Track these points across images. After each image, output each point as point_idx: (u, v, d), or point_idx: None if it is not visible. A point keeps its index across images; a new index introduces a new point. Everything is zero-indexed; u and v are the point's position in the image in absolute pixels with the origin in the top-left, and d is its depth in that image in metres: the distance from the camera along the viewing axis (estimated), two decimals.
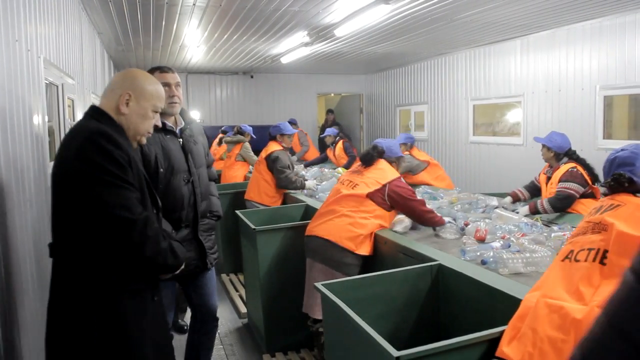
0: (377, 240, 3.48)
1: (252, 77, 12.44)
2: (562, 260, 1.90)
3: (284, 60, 9.66)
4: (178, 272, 2.19)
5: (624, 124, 6.86)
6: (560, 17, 6.51)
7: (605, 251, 1.74)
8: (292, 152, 7.14)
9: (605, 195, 2.06)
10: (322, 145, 11.45)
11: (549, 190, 4.34)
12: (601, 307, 1.59)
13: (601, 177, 2.62)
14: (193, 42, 7.97)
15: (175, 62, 10.04)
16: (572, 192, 4.13)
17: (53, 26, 3.70)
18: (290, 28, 7.02)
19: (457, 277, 2.59)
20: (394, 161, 3.85)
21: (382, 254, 3.42)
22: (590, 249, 1.80)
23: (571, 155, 4.35)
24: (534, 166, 5.40)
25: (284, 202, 5.54)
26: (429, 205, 3.82)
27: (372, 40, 8.04)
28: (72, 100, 4.34)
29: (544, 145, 4.48)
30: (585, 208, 4.11)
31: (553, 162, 4.42)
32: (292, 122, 10.66)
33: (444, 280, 2.69)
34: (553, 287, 1.84)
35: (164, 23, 6.50)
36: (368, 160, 3.74)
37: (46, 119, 3.26)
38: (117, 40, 7.66)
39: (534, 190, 4.64)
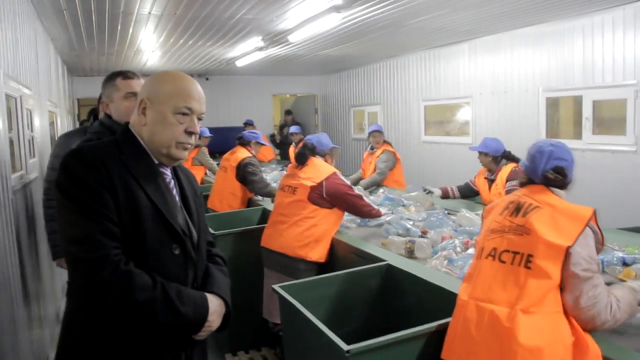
0: (332, 244, 3.65)
1: (207, 79, 12.49)
2: (487, 258, 2.10)
3: (239, 63, 9.78)
4: (203, 333, 1.75)
5: (570, 124, 7.22)
6: (503, 23, 6.84)
7: (530, 255, 1.95)
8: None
9: (522, 185, 2.26)
10: (276, 145, 11.61)
11: (494, 192, 4.60)
12: (525, 312, 1.82)
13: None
14: (148, 47, 8.02)
15: (130, 65, 10.03)
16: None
17: (10, 39, 3.77)
18: (244, 34, 7.16)
19: (404, 275, 2.78)
20: (328, 153, 3.96)
21: (337, 256, 3.60)
22: (515, 252, 2.00)
23: (508, 156, 4.63)
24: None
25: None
26: (387, 216, 4.06)
27: (325, 44, 8.24)
28: (30, 111, 4.39)
29: (480, 153, 4.73)
30: None
31: (493, 166, 4.68)
32: (249, 123, 10.79)
33: (392, 279, 2.88)
34: (482, 287, 2.05)
35: (119, 30, 6.55)
36: (301, 159, 3.83)
37: (7, 131, 3.34)
38: (71, 45, 7.65)
39: (467, 192, 4.92)
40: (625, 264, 2.89)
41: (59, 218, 1.66)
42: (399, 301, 2.83)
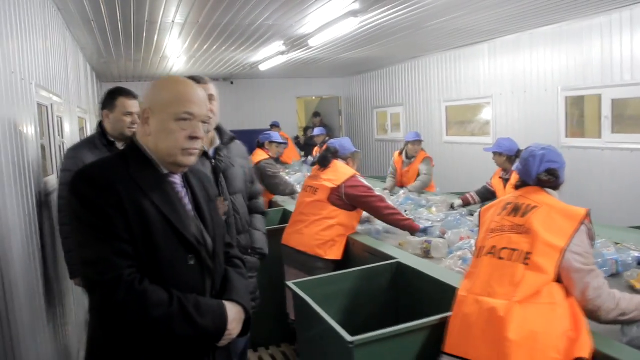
0: (348, 243, 3.78)
1: (232, 83, 12.71)
2: (486, 255, 2.22)
3: (262, 67, 9.97)
4: (224, 341, 1.78)
5: (593, 123, 7.23)
6: (523, 22, 6.87)
7: (529, 253, 2.07)
8: (278, 162, 6.93)
9: (516, 188, 2.38)
10: (300, 147, 11.80)
11: (509, 191, 4.68)
12: (521, 303, 1.93)
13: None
14: (174, 53, 8.25)
15: (157, 71, 10.30)
16: None
17: (41, 50, 3.98)
18: (266, 39, 7.32)
19: (414, 273, 2.90)
20: (349, 157, 4.07)
21: (353, 255, 3.73)
22: (513, 249, 2.12)
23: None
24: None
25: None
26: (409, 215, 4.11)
27: (345, 47, 8.37)
28: (60, 118, 4.61)
29: (495, 153, 4.82)
30: None
31: (507, 166, 4.78)
32: (275, 125, 10.98)
33: (402, 276, 3.00)
34: (481, 283, 2.17)
35: (144, 37, 6.78)
36: (323, 162, 3.98)
37: (39, 137, 3.55)
38: (99, 53, 7.92)
39: (487, 194, 5.00)
40: None
41: (73, 239, 1.72)
42: (408, 298, 2.95)
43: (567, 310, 1.99)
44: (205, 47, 7.75)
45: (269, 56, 8.85)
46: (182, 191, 1.82)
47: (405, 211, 4.44)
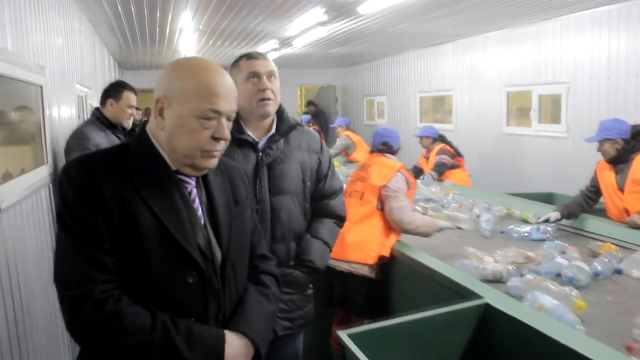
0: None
1: None
2: (347, 196, 3.60)
3: None
4: None
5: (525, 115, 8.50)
6: (478, 27, 8.18)
7: (363, 193, 3.46)
8: None
9: (370, 153, 3.71)
10: None
11: (430, 166, 6.11)
12: (356, 223, 3.36)
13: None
14: (184, 48, 9.74)
15: (172, 60, 11.76)
16: (444, 161, 5.92)
17: (78, 54, 5.45)
18: (260, 38, 8.78)
19: (510, 322, 2.11)
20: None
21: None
22: (356, 191, 3.52)
23: (441, 138, 6.15)
24: (463, 148, 6.78)
25: None
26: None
27: (325, 46, 9.85)
28: (91, 104, 6.10)
29: (422, 137, 6.26)
30: (455, 177, 5.88)
31: (430, 145, 6.21)
32: None
33: (492, 324, 2.21)
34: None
35: (157, 38, 8.29)
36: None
37: (78, 120, 5.03)
38: (121, 48, 9.46)
39: (417, 172, 6.35)
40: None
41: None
42: (500, 351, 2.17)
43: (382, 227, 3.35)
44: (211, 42, 9.18)
45: (266, 51, 10.29)
46: (193, 192, 1.52)
47: None
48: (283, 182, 2.34)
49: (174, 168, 1.48)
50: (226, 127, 1.47)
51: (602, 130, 3.82)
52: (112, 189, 1.38)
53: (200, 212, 1.52)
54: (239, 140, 2.28)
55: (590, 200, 4.02)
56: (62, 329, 3.33)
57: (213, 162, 1.50)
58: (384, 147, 3.60)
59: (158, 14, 6.50)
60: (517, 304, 2.30)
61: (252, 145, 2.31)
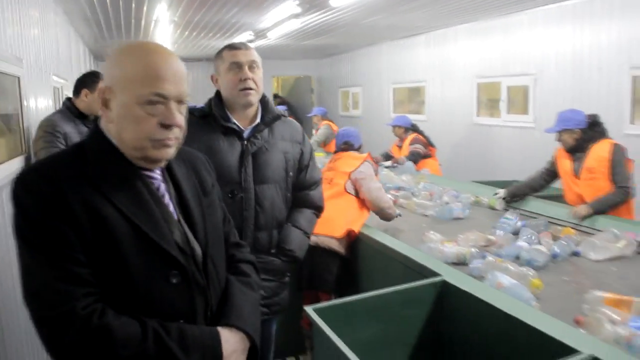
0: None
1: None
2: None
3: None
4: None
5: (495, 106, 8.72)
6: (449, 20, 8.36)
7: (332, 179, 3.64)
8: None
9: (335, 152, 3.91)
10: None
11: (402, 154, 6.28)
12: (327, 199, 3.51)
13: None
14: (158, 39, 9.75)
15: None
16: (418, 150, 6.09)
17: (54, 46, 5.50)
18: (235, 30, 8.87)
19: (466, 297, 2.26)
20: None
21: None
22: (327, 178, 3.68)
23: (413, 127, 6.33)
24: (433, 138, 6.90)
25: None
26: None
27: (299, 38, 9.97)
28: (67, 95, 6.16)
29: (394, 126, 6.44)
30: (427, 166, 6.07)
31: (402, 135, 6.38)
32: None
33: (449, 299, 2.37)
34: None
35: (132, 29, 8.33)
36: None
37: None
38: (96, 39, 9.49)
39: (388, 158, 6.53)
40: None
41: (19, 263, 1.30)
42: (455, 325, 2.34)
43: (349, 207, 3.52)
44: (186, 34, 9.24)
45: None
46: (162, 187, 1.44)
47: None
48: (267, 171, 2.38)
49: (137, 164, 1.39)
50: (176, 112, 1.36)
51: (561, 121, 4.00)
52: (76, 194, 1.27)
53: (171, 207, 1.44)
54: (225, 128, 2.34)
55: (545, 182, 4.32)
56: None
57: (168, 152, 1.39)
58: (345, 146, 3.87)
59: (133, 5, 6.55)
60: (472, 280, 2.46)
61: (238, 133, 2.34)
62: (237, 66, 2.30)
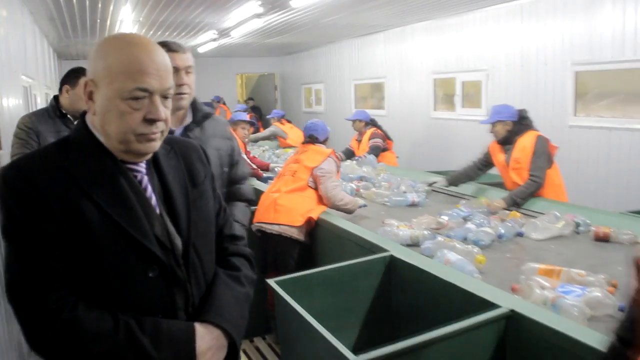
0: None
1: None
2: (282, 175, 3.98)
3: (201, 50, 11.78)
4: None
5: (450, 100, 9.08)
6: (405, 18, 8.67)
7: (295, 171, 3.89)
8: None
9: (302, 144, 4.19)
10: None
11: (361, 148, 6.57)
12: (287, 193, 3.80)
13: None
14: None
15: None
16: (378, 144, 6.40)
17: (21, 46, 5.63)
18: (199, 29, 9.08)
19: (410, 269, 2.58)
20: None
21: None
22: (290, 170, 3.94)
23: (372, 122, 6.64)
24: (393, 132, 7.21)
25: None
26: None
27: (262, 36, 10.22)
28: (35, 95, 6.30)
29: (354, 121, 6.74)
30: (385, 159, 6.38)
31: (362, 129, 6.68)
32: (216, 100, 12.40)
33: (396, 271, 2.66)
34: (274, 186, 3.97)
35: (97, 29, 8.47)
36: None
37: (25, 111, 5.24)
38: (61, 39, 9.59)
39: (348, 154, 6.81)
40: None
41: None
42: (404, 295, 2.62)
43: (310, 199, 3.79)
44: (150, 34, 9.36)
45: (205, 41, 10.58)
46: (144, 180, 1.43)
47: None
48: None
49: (119, 158, 1.38)
50: (160, 107, 1.35)
51: (495, 113, 4.38)
52: (53, 190, 1.28)
53: (154, 200, 1.41)
54: None
55: (479, 170, 4.76)
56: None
57: (152, 146, 1.38)
58: (310, 139, 4.12)
59: (99, 6, 6.71)
60: (416, 255, 2.77)
61: (170, 133, 2.35)
62: (174, 70, 2.26)
